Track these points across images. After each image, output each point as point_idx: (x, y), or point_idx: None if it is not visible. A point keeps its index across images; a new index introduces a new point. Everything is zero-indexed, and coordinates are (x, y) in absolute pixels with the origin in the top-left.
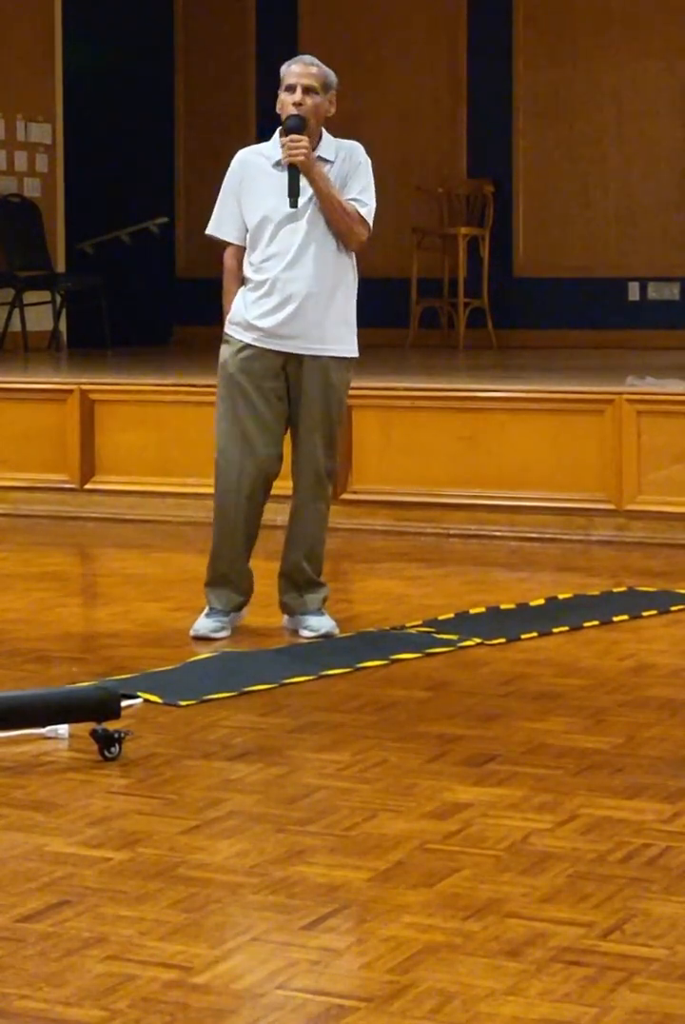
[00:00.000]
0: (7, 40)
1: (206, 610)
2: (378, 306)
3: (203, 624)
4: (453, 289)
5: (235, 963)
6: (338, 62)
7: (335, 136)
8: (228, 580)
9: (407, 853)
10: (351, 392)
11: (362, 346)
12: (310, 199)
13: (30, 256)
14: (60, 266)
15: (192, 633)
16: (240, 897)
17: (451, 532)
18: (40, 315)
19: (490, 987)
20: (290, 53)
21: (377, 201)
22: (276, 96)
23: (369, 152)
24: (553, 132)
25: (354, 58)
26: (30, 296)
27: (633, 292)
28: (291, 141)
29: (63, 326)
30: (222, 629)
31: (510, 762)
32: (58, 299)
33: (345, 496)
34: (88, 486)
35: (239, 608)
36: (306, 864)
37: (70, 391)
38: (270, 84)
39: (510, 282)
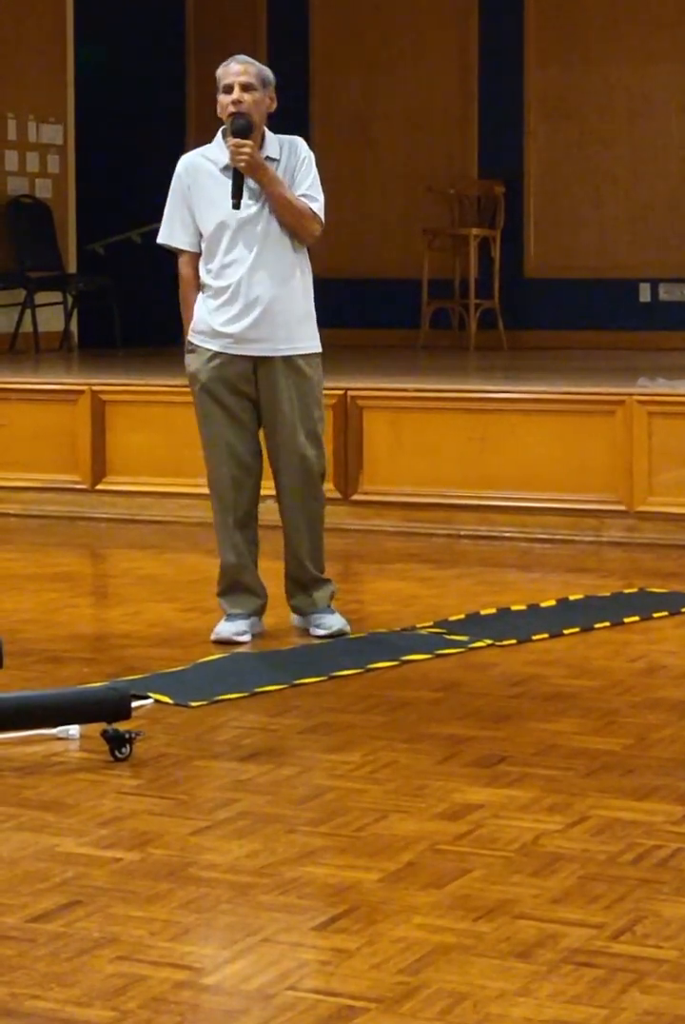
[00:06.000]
0: (19, 41)
1: (224, 616)
2: (389, 307)
3: (224, 627)
4: (464, 290)
5: (245, 964)
6: (349, 62)
7: (346, 136)
8: (242, 585)
9: (417, 854)
10: (361, 393)
11: (373, 347)
12: (264, 203)
13: (41, 257)
14: (71, 267)
15: (213, 637)
16: (250, 898)
17: (461, 533)
18: (51, 316)
19: (501, 988)
20: (301, 54)
21: (388, 202)
22: (286, 101)
23: (379, 152)
24: (564, 132)
25: (365, 58)
26: (41, 297)
27: (644, 293)
28: (236, 145)
29: (74, 326)
30: (245, 632)
31: (521, 763)
32: (69, 300)
33: (355, 497)
34: (99, 487)
35: (259, 612)
36: (316, 865)
37: (81, 391)
38: (281, 86)
39: (521, 283)
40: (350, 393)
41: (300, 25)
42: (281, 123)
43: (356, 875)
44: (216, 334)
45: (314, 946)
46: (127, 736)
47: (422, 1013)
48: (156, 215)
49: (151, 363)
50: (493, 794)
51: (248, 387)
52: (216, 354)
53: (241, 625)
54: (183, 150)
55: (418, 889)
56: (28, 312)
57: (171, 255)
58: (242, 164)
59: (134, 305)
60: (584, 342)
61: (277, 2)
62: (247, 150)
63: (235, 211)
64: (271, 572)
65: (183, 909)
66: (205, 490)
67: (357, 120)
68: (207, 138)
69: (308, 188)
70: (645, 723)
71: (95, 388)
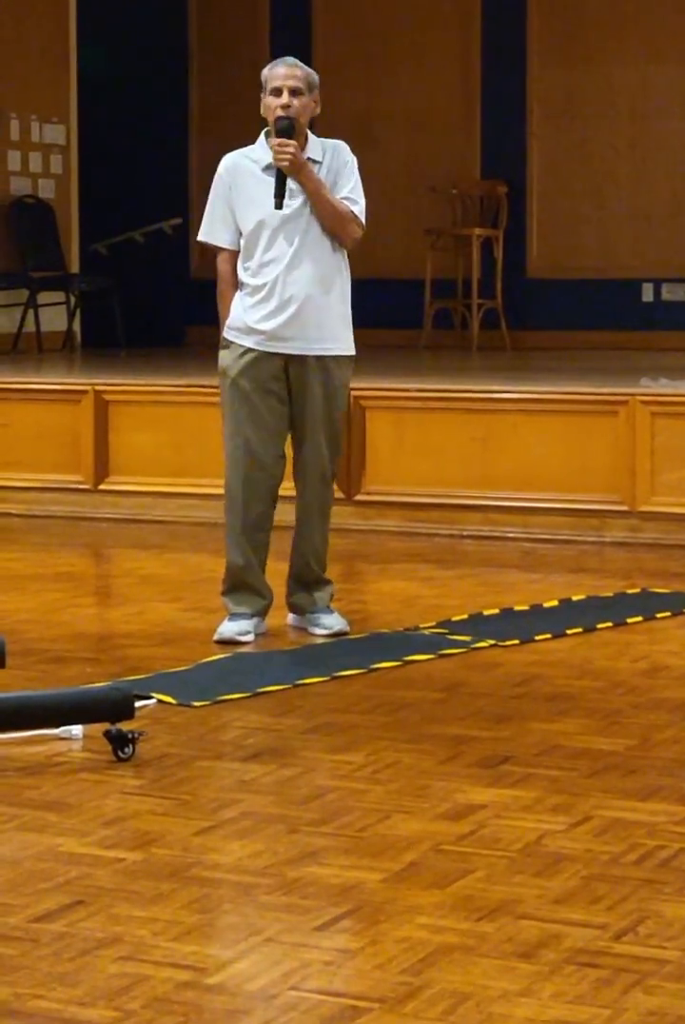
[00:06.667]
0: (22, 41)
1: (228, 615)
2: (392, 307)
3: (228, 627)
4: (467, 290)
5: (248, 964)
6: (351, 63)
7: (348, 136)
8: (248, 585)
9: (420, 854)
10: (364, 393)
11: (376, 347)
12: (305, 202)
13: (44, 257)
14: (74, 267)
15: (216, 637)
16: (253, 898)
17: (464, 533)
18: (54, 316)
19: (503, 988)
20: (303, 54)
21: (390, 202)
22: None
23: (382, 153)
24: (567, 133)
25: (368, 59)
26: (44, 297)
27: (647, 293)
28: (279, 145)
29: (77, 326)
30: (248, 632)
31: (524, 763)
32: (72, 300)
33: (358, 497)
34: (102, 487)
35: (263, 613)
36: (319, 865)
37: (84, 392)
38: None
39: (524, 283)
40: (353, 393)
41: (302, 26)
42: None
43: (359, 875)
44: (250, 330)
45: (317, 946)
46: (130, 736)
47: (425, 1013)
48: (159, 215)
49: (154, 363)
50: (496, 794)
51: (279, 386)
52: (248, 350)
53: (244, 625)
54: (186, 151)
55: (421, 889)
56: (31, 312)
57: (175, 255)
58: (285, 163)
59: (136, 305)
60: (587, 342)
61: (280, 3)
62: (290, 150)
63: (276, 210)
64: (276, 573)
65: (186, 909)
66: (207, 490)
67: (360, 121)
68: (209, 138)
69: (350, 191)
70: (648, 723)
71: (98, 388)
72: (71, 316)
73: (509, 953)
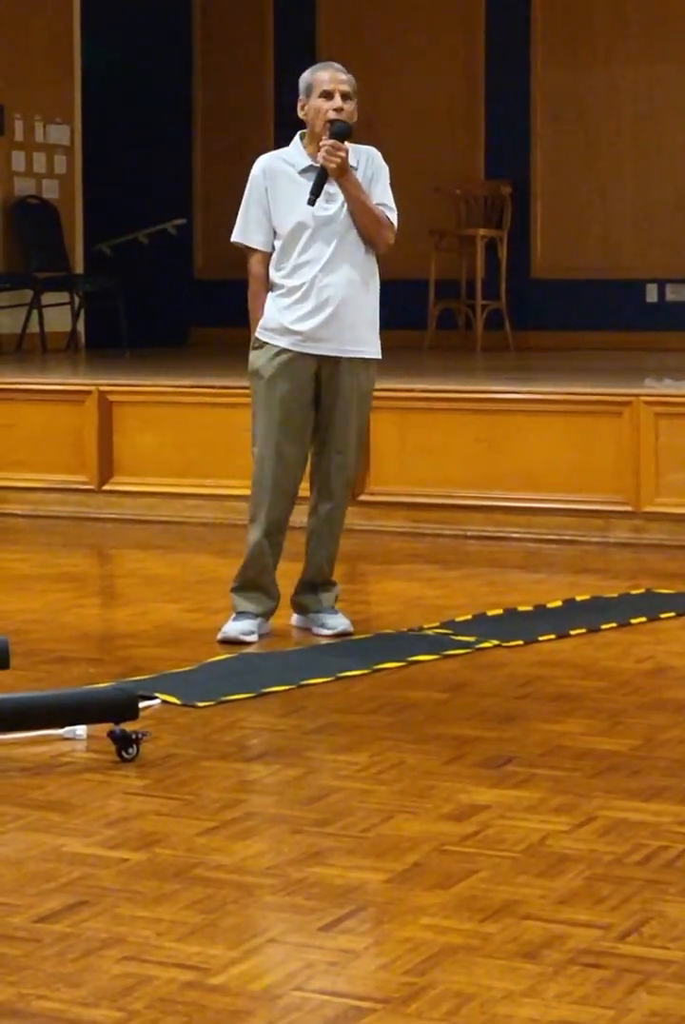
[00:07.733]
0: (26, 41)
1: (233, 615)
2: (396, 307)
3: (232, 627)
4: (471, 290)
5: (252, 964)
6: (355, 63)
7: (353, 137)
8: (260, 585)
9: (424, 855)
10: None
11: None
12: (342, 205)
13: (48, 257)
14: (78, 267)
15: (220, 637)
16: (257, 898)
17: (468, 534)
18: (58, 316)
19: (507, 989)
20: (307, 54)
21: (395, 202)
22: (294, 100)
23: (386, 153)
24: (571, 133)
25: (371, 59)
26: (48, 297)
27: (651, 293)
28: (333, 147)
29: (81, 327)
30: (252, 632)
31: (527, 764)
32: (76, 300)
33: (362, 497)
34: (106, 487)
35: (268, 614)
36: (323, 865)
37: (88, 392)
38: (288, 85)
39: (528, 283)
40: None
41: (307, 26)
42: (287, 123)
43: (362, 876)
44: (286, 331)
45: (320, 947)
46: (134, 736)
47: (429, 1014)
48: (163, 216)
49: (158, 363)
50: (500, 795)
51: (310, 389)
52: (283, 351)
53: (248, 625)
54: (190, 151)
55: (424, 890)
56: (35, 312)
57: (179, 256)
58: (334, 165)
59: (141, 306)
60: (591, 343)
61: (284, 3)
62: (343, 153)
63: (312, 210)
64: (283, 574)
65: (189, 909)
66: (211, 491)
67: (363, 121)
68: (213, 139)
69: (382, 197)
70: (652, 724)
71: (102, 388)
72: (75, 316)
73: (513, 954)
